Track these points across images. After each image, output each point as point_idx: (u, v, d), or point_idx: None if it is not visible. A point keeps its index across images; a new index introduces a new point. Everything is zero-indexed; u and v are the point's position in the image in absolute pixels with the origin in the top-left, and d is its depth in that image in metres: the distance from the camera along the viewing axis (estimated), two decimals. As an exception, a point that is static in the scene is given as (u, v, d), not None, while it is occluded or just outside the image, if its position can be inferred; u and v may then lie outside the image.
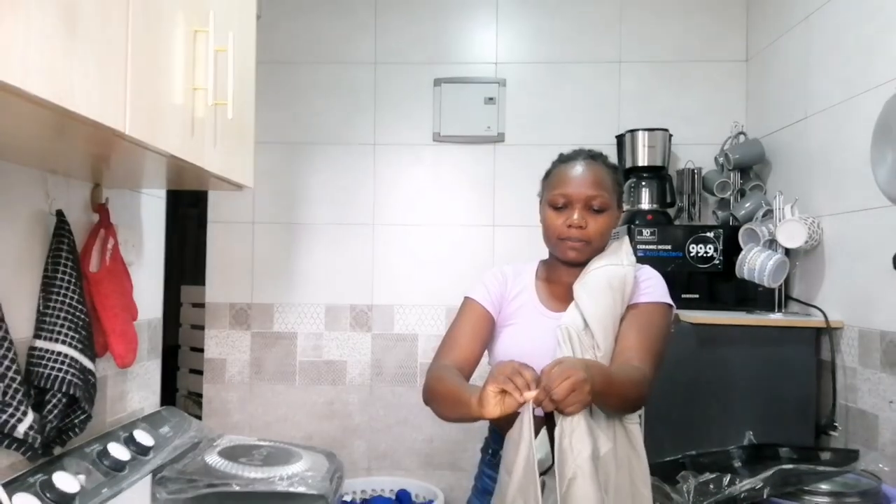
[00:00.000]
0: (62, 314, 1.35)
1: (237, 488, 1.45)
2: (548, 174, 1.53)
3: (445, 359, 1.45)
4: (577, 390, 1.10)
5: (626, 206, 2.82)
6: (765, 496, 1.61)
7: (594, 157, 1.50)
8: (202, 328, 3.10)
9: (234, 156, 1.47)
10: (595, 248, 1.46)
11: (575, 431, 1.14)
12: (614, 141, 2.94)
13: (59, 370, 1.31)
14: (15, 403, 1.19)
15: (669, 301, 1.46)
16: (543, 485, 1.16)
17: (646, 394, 1.31)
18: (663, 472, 1.74)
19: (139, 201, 1.81)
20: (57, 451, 1.36)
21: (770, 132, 2.73)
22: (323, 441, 2.89)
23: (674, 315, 1.49)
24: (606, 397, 1.21)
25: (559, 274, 1.51)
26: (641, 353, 1.34)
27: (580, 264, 1.46)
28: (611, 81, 3.04)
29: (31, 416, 1.22)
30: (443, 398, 1.34)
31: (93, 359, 1.42)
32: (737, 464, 1.80)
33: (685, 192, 2.89)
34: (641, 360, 1.33)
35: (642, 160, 2.82)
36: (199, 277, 3.14)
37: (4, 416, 1.18)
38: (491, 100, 3.04)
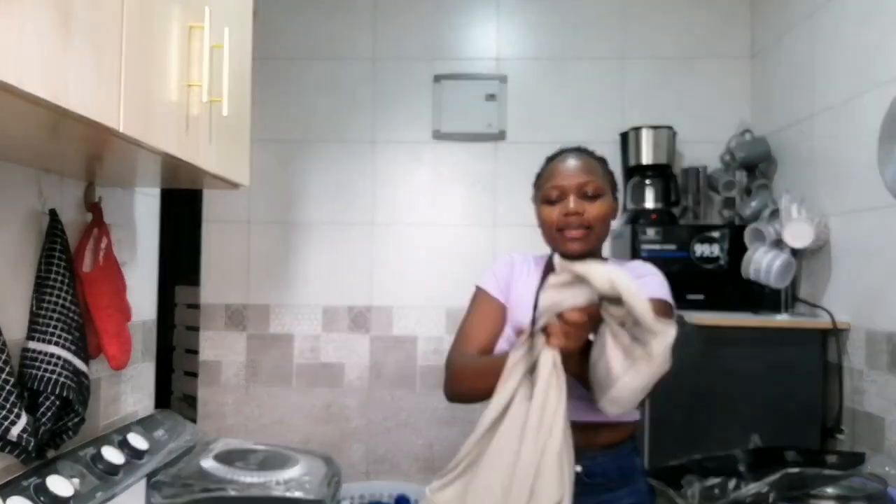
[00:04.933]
0: (55, 315, 1.34)
1: (233, 493, 1.44)
2: (538, 176, 1.53)
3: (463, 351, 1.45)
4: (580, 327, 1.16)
5: (630, 206, 2.81)
6: (771, 500, 1.59)
7: (580, 149, 1.51)
8: (197, 329, 3.07)
9: (229, 153, 1.46)
10: (597, 235, 1.43)
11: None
12: (618, 139, 2.92)
13: (53, 372, 1.30)
14: (8, 406, 1.18)
15: (670, 300, 1.42)
16: None
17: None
18: (668, 477, 1.72)
19: (133, 200, 1.79)
20: (50, 454, 1.35)
21: (776, 130, 2.71)
22: (320, 445, 2.86)
23: (676, 315, 1.45)
24: None
25: None
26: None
27: (583, 257, 1.42)
28: (614, 78, 3.02)
29: (24, 419, 1.20)
30: (484, 371, 1.32)
31: (86, 361, 1.40)
32: (742, 468, 1.78)
33: (690, 191, 2.87)
34: None
35: (646, 158, 2.80)
36: (193, 278, 3.11)
37: (-2, 419, 1.16)
38: (492, 96, 3.01)
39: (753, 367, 2.23)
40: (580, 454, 1.30)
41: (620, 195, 1.77)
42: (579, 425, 1.32)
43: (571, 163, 1.45)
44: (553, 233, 1.44)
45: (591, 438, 1.37)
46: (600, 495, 1.36)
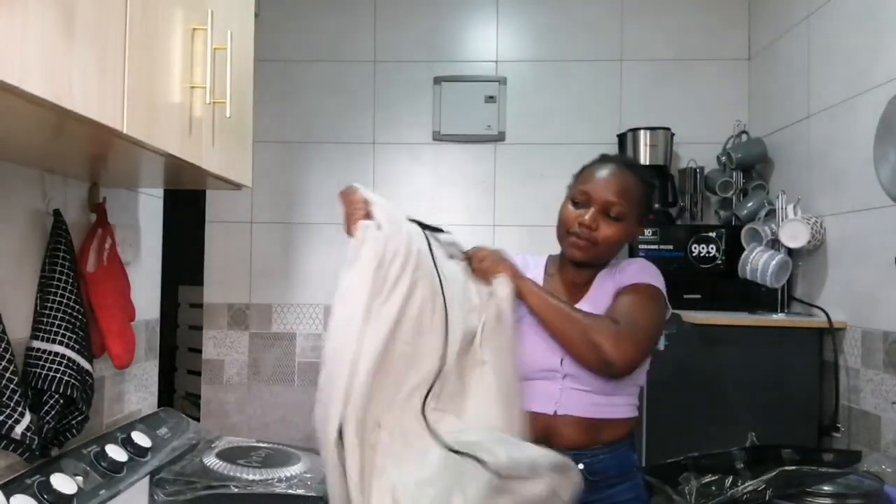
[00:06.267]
0: (59, 315, 1.34)
1: (235, 490, 1.44)
2: (582, 168, 1.51)
3: None
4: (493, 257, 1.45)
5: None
6: (767, 498, 1.60)
7: (631, 165, 1.49)
8: (200, 329, 3.09)
9: (232, 155, 1.46)
10: (600, 252, 1.43)
11: None
12: (616, 140, 2.93)
13: (57, 371, 1.30)
14: (12, 404, 1.18)
15: (656, 284, 1.43)
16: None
17: (610, 346, 1.29)
18: (665, 474, 1.73)
19: (137, 201, 1.80)
20: (54, 452, 1.35)
21: (772, 131, 2.72)
22: (322, 442, 2.87)
23: (669, 313, 1.47)
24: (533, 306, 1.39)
25: (566, 271, 1.50)
26: (620, 313, 1.35)
27: (583, 265, 1.46)
28: (612, 80, 3.03)
29: (28, 417, 1.20)
30: None
31: (90, 360, 1.40)
32: (739, 465, 1.79)
33: (687, 192, 2.88)
34: (619, 317, 1.34)
35: (644, 159, 2.81)
36: (197, 278, 3.13)
37: (2, 417, 1.17)
38: (491, 98, 3.03)
39: (750, 366, 2.25)
40: (582, 452, 1.35)
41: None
42: (584, 422, 1.37)
43: (610, 177, 1.42)
44: (563, 231, 1.45)
45: (594, 436, 1.38)
46: (602, 491, 1.38)
